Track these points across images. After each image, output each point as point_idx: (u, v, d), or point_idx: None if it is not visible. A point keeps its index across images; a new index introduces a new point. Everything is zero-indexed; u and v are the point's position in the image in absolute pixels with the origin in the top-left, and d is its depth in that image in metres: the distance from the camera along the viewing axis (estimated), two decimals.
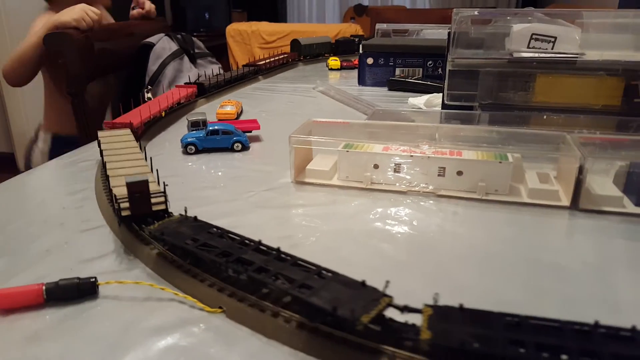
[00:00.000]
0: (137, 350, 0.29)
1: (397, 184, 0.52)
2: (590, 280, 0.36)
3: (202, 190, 0.53)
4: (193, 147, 0.65)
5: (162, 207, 0.41)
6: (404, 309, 0.27)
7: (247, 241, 0.35)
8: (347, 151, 0.53)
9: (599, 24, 0.62)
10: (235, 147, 0.66)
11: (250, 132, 0.71)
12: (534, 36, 0.62)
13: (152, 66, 1.28)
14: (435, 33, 1.32)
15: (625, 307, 0.33)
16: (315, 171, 0.55)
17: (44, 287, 0.33)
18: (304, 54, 1.52)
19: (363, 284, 0.29)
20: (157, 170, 0.47)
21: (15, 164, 2.59)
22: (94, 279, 0.34)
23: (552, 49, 0.62)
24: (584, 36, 0.61)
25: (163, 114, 0.79)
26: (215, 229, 0.37)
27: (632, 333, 0.24)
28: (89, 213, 0.48)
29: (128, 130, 0.63)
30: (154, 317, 0.32)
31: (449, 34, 0.65)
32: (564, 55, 0.61)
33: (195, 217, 0.39)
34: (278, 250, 0.33)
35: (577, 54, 0.61)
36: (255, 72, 1.22)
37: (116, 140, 0.59)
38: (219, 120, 0.78)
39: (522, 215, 0.46)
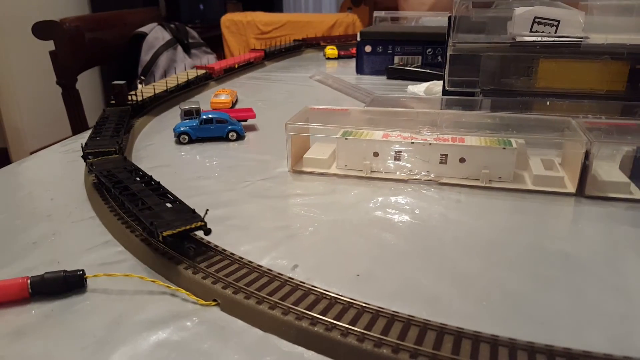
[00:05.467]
0: (127, 345, 0.27)
1: (398, 172, 0.50)
2: (598, 268, 0.34)
3: (196, 180, 0.52)
4: (186, 137, 0.63)
5: (134, 99, 0.72)
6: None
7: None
8: (346, 139, 0.51)
9: (603, 6, 0.60)
10: (230, 136, 0.64)
11: (246, 121, 0.70)
12: (536, 20, 0.60)
13: (145, 56, 1.26)
14: (434, 20, 1.30)
15: (635, 294, 0.31)
16: (313, 160, 0.53)
17: (29, 281, 0.31)
18: None
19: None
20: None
21: (8, 159, 2.56)
22: (81, 272, 0.32)
23: (555, 32, 0.60)
24: (588, 19, 0.59)
25: (236, 65, 1.10)
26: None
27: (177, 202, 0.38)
28: (78, 205, 0.46)
29: (198, 71, 0.98)
30: (145, 311, 0.30)
31: (449, 18, 0.63)
32: (567, 39, 0.59)
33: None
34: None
35: (580, 38, 0.59)
36: (305, 45, 1.49)
37: (184, 77, 0.91)
38: (213, 109, 0.76)
39: (526, 202, 0.45)
